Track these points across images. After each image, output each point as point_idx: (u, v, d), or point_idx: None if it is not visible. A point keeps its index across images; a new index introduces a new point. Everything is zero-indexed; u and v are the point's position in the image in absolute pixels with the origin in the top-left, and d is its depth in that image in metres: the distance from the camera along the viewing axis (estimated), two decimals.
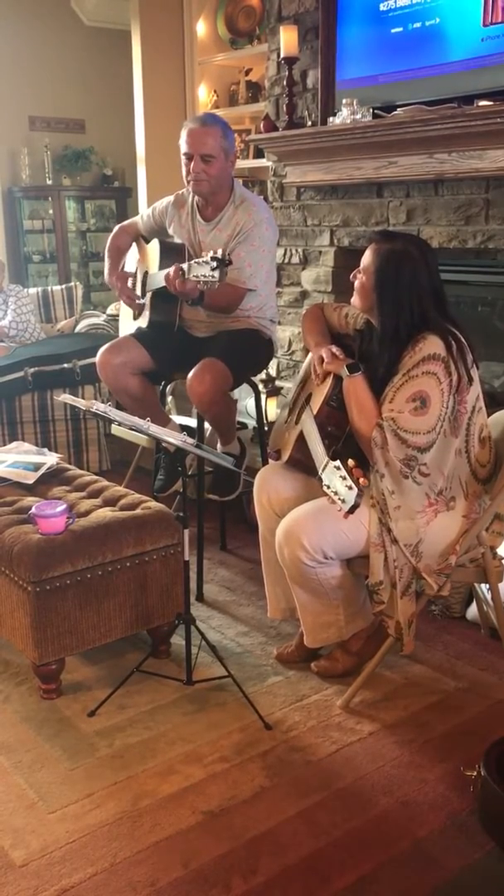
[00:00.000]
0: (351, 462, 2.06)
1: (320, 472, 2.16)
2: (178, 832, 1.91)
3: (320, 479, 2.16)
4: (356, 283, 2.34)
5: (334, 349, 2.37)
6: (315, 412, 2.36)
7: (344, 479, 2.04)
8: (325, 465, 2.14)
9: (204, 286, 2.65)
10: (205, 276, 2.60)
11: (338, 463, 2.08)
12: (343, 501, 2.02)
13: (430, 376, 2.17)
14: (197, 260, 2.65)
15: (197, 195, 3.02)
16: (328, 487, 2.09)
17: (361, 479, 2.02)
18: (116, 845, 1.87)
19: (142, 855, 1.85)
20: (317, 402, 2.38)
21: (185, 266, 2.70)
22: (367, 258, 2.32)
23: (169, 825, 1.93)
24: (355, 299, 2.37)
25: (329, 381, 2.36)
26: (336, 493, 2.06)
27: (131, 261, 3.35)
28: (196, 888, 1.75)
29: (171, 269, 2.74)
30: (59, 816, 1.97)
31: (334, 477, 2.08)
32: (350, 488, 2.02)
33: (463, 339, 2.23)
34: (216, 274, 2.56)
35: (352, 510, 2.02)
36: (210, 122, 2.92)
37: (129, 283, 3.25)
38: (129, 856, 1.84)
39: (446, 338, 2.19)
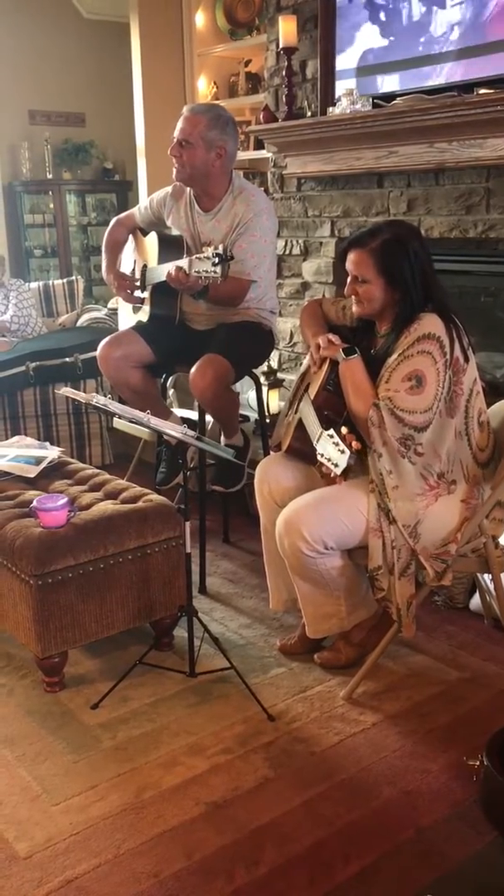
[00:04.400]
0: (344, 429, 2.11)
1: (315, 443, 2.19)
2: (181, 824, 1.91)
3: (318, 463, 2.18)
4: (360, 292, 2.29)
5: (331, 336, 2.37)
6: (312, 397, 2.36)
7: (336, 444, 2.09)
8: (320, 436, 2.17)
9: (206, 281, 2.64)
10: (206, 272, 2.60)
11: (331, 431, 2.12)
12: (336, 465, 2.06)
13: (426, 355, 2.17)
14: (199, 255, 2.65)
15: (177, 181, 3.01)
16: (322, 455, 2.12)
17: (353, 443, 2.06)
18: (120, 837, 1.88)
19: (145, 846, 1.85)
20: (314, 389, 2.39)
21: (185, 263, 2.70)
22: (361, 265, 2.26)
23: (172, 817, 1.94)
24: (363, 308, 2.32)
25: (326, 367, 2.36)
26: (329, 459, 2.10)
27: (127, 254, 3.33)
28: (199, 879, 1.76)
29: (172, 269, 2.74)
30: (63, 808, 1.97)
31: (328, 444, 2.12)
32: (342, 452, 2.05)
33: (457, 320, 2.23)
34: (218, 269, 2.56)
35: (345, 473, 2.05)
36: (198, 111, 2.90)
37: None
38: (133, 847, 1.85)
39: (443, 316, 2.20)
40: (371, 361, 2.30)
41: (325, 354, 2.35)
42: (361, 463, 2.20)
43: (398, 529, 2.23)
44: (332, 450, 2.10)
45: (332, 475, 2.10)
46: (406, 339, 2.21)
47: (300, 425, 2.42)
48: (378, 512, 2.25)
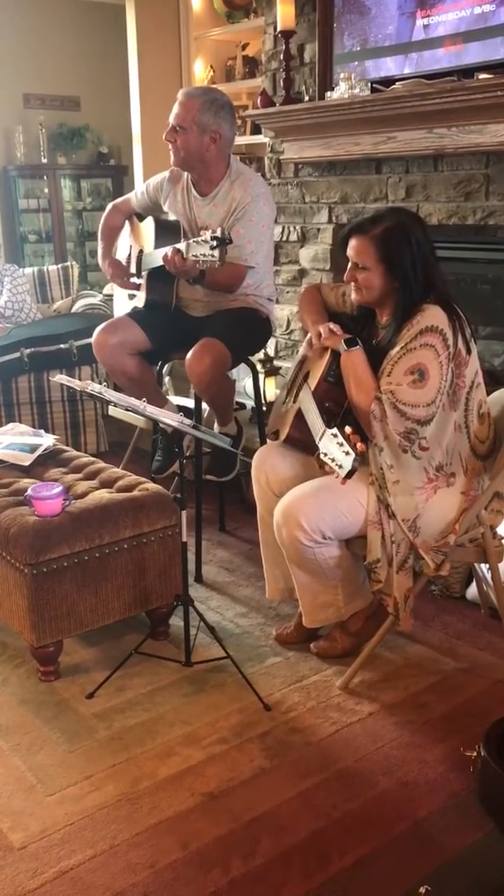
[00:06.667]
0: (348, 429, 2.07)
1: (317, 440, 2.16)
2: (176, 814, 1.91)
3: (318, 455, 2.15)
4: (359, 280, 2.27)
5: (332, 325, 2.34)
6: (313, 388, 2.34)
7: (341, 445, 2.04)
8: (323, 434, 2.14)
9: (203, 265, 2.61)
10: (204, 256, 2.56)
11: (335, 430, 2.08)
12: (340, 467, 2.03)
13: (428, 348, 2.15)
14: (196, 239, 2.61)
15: (174, 166, 2.98)
16: (325, 455, 2.09)
17: (358, 444, 2.02)
18: (115, 827, 1.87)
19: (140, 837, 1.84)
20: (314, 379, 2.36)
21: (182, 246, 2.67)
22: (361, 252, 2.24)
23: (168, 807, 1.93)
24: (362, 295, 2.29)
25: (326, 357, 2.33)
26: (333, 460, 2.06)
27: (123, 239, 3.30)
28: (195, 870, 1.75)
29: (170, 251, 2.70)
30: (58, 799, 1.96)
31: (331, 444, 2.08)
32: (347, 453, 2.02)
33: (460, 311, 2.20)
34: (216, 253, 2.53)
35: (349, 475, 2.01)
36: (193, 95, 2.87)
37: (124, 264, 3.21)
38: (128, 838, 1.84)
39: (445, 308, 2.17)
40: (372, 352, 2.27)
41: (326, 344, 2.32)
42: (362, 455, 2.18)
43: (398, 524, 2.22)
44: (336, 450, 2.05)
45: (336, 476, 2.05)
46: (409, 332, 2.18)
47: (300, 415, 2.39)
48: (378, 505, 2.23)
